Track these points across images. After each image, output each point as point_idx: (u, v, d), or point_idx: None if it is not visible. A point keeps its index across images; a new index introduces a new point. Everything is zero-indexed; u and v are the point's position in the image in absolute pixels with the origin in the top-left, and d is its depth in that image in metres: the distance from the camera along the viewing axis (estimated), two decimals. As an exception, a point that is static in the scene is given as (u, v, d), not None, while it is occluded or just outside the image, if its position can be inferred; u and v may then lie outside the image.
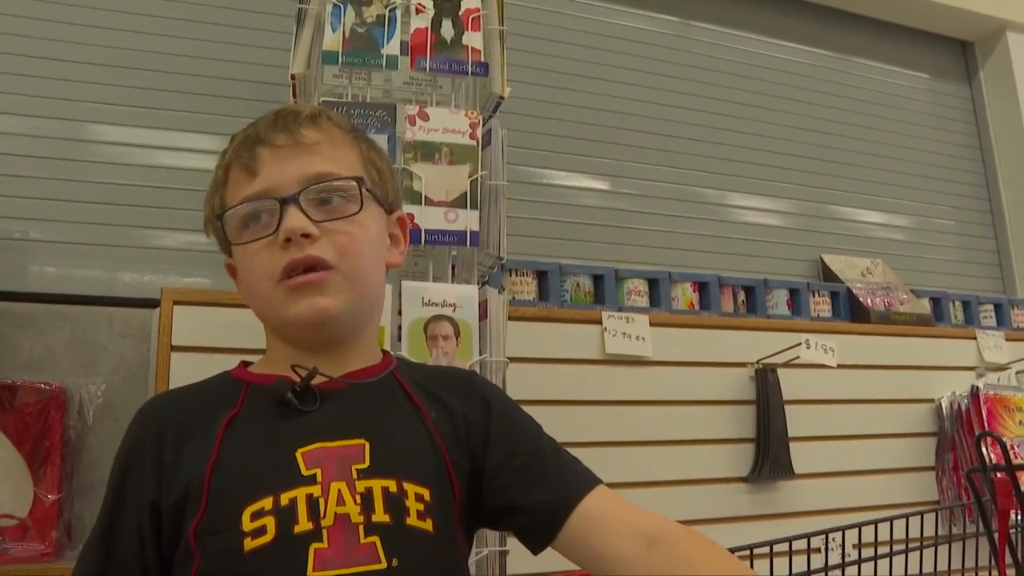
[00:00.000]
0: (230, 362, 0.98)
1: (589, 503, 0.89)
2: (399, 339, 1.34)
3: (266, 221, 0.90)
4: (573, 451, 0.98)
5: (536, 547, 0.92)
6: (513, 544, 0.96)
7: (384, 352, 1.02)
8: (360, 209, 0.93)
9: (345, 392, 0.91)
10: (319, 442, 0.86)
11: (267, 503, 0.81)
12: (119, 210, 2.03)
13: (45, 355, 1.76)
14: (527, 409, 1.02)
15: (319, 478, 0.83)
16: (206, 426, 0.87)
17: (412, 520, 0.84)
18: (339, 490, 0.83)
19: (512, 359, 1.45)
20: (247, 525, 0.80)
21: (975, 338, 2.49)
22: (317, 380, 0.90)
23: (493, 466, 0.93)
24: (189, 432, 0.87)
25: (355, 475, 0.84)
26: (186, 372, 1.47)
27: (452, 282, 1.48)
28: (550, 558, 0.93)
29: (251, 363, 0.98)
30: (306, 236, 0.88)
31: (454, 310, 1.36)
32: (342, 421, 0.89)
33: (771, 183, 2.89)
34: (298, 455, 0.84)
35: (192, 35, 2.19)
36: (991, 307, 2.85)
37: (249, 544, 0.79)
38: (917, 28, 3.36)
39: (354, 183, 0.94)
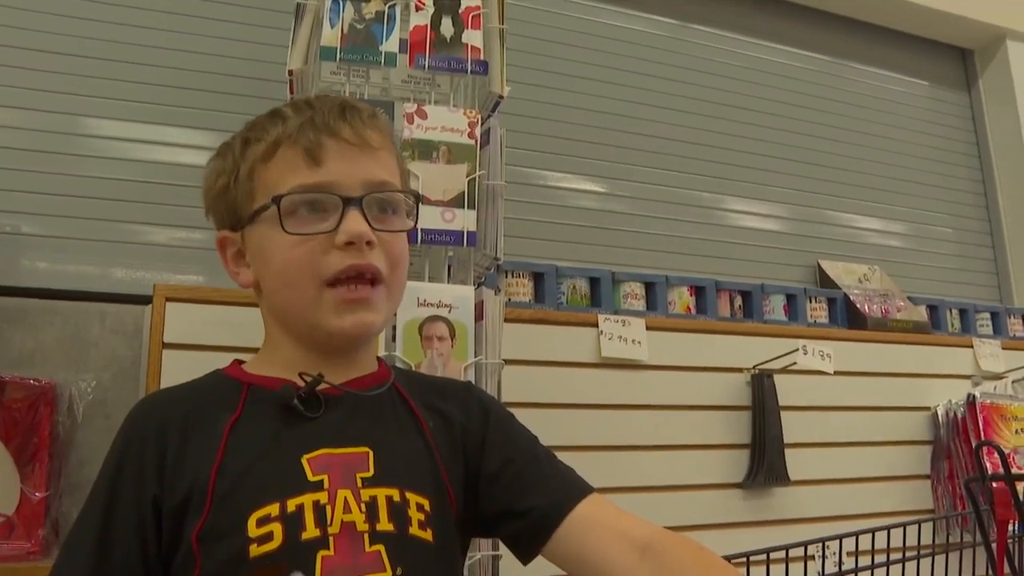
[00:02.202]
0: (222, 360, 0.96)
1: (582, 510, 0.89)
2: (393, 339, 1.33)
3: (320, 216, 0.87)
4: (567, 455, 0.97)
5: (527, 554, 0.92)
6: (506, 548, 0.95)
7: (379, 359, 1.01)
8: (412, 227, 0.94)
9: (348, 400, 0.90)
10: (324, 448, 0.85)
11: (274, 509, 0.80)
12: (112, 205, 2.01)
13: (36, 350, 1.75)
14: (522, 412, 1.02)
15: (326, 484, 0.82)
16: (208, 428, 0.85)
17: (414, 529, 0.84)
18: (345, 497, 0.82)
19: (507, 361, 1.44)
20: (253, 531, 0.79)
21: (972, 346, 2.49)
22: (322, 387, 0.88)
23: (489, 473, 0.93)
24: (191, 433, 0.85)
25: (360, 483, 0.84)
26: (178, 370, 1.45)
27: (448, 282, 1.47)
28: (544, 565, 0.92)
29: (243, 362, 0.96)
30: (368, 243, 0.87)
31: (450, 311, 1.35)
32: (346, 429, 0.88)
33: (769, 188, 2.88)
34: (304, 461, 0.84)
35: (188, 30, 2.17)
36: (988, 315, 2.84)
37: (255, 550, 0.78)
38: (917, 35, 3.35)
39: (412, 199, 0.95)
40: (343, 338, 0.90)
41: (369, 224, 0.87)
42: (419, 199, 0.96)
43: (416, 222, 0.96)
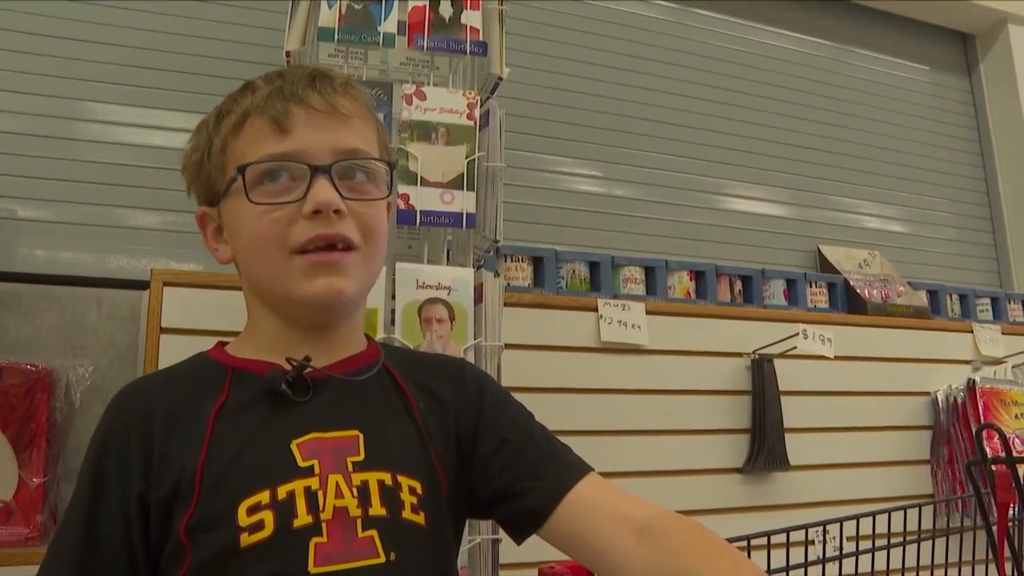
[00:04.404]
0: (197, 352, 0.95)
1: (579, 491, 0.88)
2: (392, 322, 1.32)
3: (287, 185, 0.85)
4: (566, 439, 0.97)
5: (522, 535, 0.91)
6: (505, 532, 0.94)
7: (368, 338, 0.99)
8: (387, 195, 0.92)
9: (337, 382, 0.88)
10: (314, 432, 0.83)
11: (264, 496, 0.79)
12: (109, 190, 2.00)
13: (33, 336, 1.74)
14: (521, 396, 1.01)
15: (317, 469, 0.81)
16: (193, 415, 0.83)
17: (407, 513, 0.83)
18: (337, 482, 0.81)
19: (507, 346, 1.43)
20: (243, 520, 0.77)
21: (971, 331, 2.48)
22: (309, 370, 0.87)
23: (484, 455, 0.92)
24: (176, 422, 0.83)
25: (351, 467, 0.82)
26: (175, 355, 1.43)
27: (447, 265, 1.46)
28: (543, 547, 0.91)
29: (227, 343, 0.94)
30: (337, 212, 0.85)
31: (449, 293, 1.34)
32: (335, 412, 0.86)
33: (769, 173, 2.87)
34: (293, 446, 0.82)
35: (185, 12, 2.16)
36: (988, 301, 2.84)
37: (246, 539, 0.77)
38: (918, 19, 3.34)
39: (385, 167, 0.92)
40: (314, 305, 0.87)
41: (340, 193, 0.85)
42: (394, 168, 0.93)
43: (391, 191, 0.93)
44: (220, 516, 0.78)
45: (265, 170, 0.86)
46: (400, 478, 0.84)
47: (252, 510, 0.78)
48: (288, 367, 0.86)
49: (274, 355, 0.88)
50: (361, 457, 0.84)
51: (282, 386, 0.84)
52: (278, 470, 0.80)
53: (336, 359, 0.90)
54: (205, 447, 0.81)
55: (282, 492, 0.79)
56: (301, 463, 0.81)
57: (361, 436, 0.85)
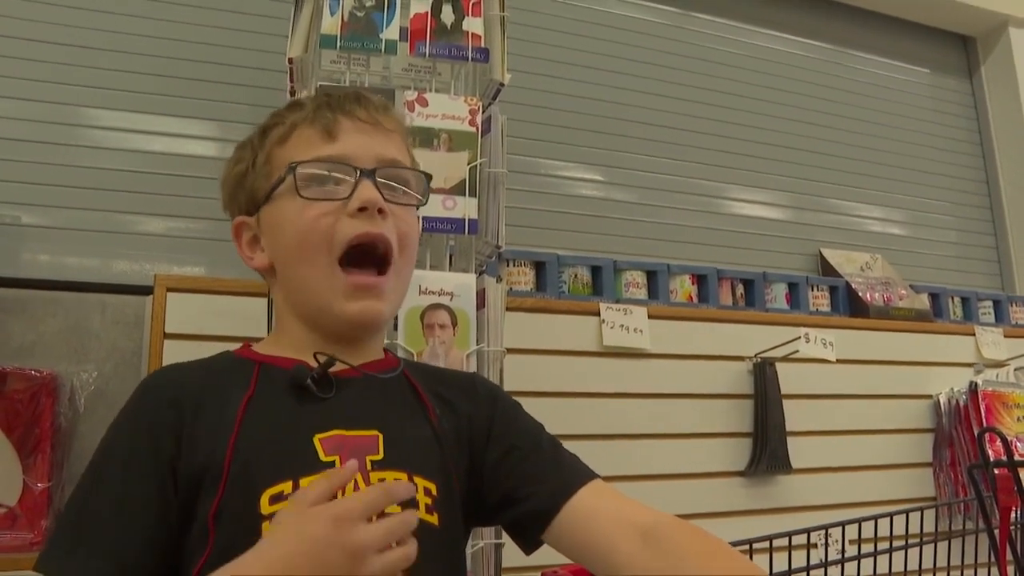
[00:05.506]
0: (223, 350, 0.96)
1: (583, 495, 0.89)
2: (395, 328, 1.32)
3: (333, 188, 0.90)
4: (569, 443, 0.98)
5: (529, 542, 0.92)
6: (508, 537, 0.95)
7: (385, 350, 1.02)
8: (423, 205, 0.98)
9: (359, 383, 0.91)
10: (337, 430, 0.86)
11: (287, 487, 0.80)
12: (113, 196, 2.00)
13: (37, 342, 1.74)
14: (523, 401, 1.02)
15: (338, 465, 0.83)
16: (222, 405, 0.85)
17: (421, 514, 0.84)
18: (355, 480, 0.82)
19: (509, 350, 1.44)
20: (266, 509, 0.79)
21: (974, 334, 2.49)
22: (335, 368, 0.89)
23: (492, 461, 0.94)
24: (204, 409, 0.85)
25: (369, 466, 0.85)
26: (179, 360, 1.45)
27: (449, 271, 1.46)
28: (545, 552, 0.92)
29: (252, 343, 0.97)
30: (380, 212, 0.89)
31: (451, 299, 1.34)
32: (357, 411, 0.89)
33: (771, 176, 2.87)
34: (316, 441, 0.84)
35: (188, 19, 2.16)
36: (990, 303, 2.84)
37: (268, 528, 0.78)
38: (919, 22, 3.33)
39: (424, 178, 0.98)
40: (350, 324, 0.91)
41: (381, 195, 0.90)
42: (430, 179, 0.99)
43: (426, 201, 1.00)
44: (244, 503, 0.79)
45: (315, 170, 0.90)
46: (416, 479, 0.86)
47: (274, 499, 0.80)
48: (314, 363, 0.89)
49: (300, 354, 0.91)
50: (380, 456, 0.86)
51: (307, 380, 0.87)
52: (301, 462, 0.82)
53: (358, 363, 0.93)
54: (234, 436, 0.83)
55: (304, 484, 0.80)
56: (324, 457, 0.83)
57: (381, 436, 0.87)
